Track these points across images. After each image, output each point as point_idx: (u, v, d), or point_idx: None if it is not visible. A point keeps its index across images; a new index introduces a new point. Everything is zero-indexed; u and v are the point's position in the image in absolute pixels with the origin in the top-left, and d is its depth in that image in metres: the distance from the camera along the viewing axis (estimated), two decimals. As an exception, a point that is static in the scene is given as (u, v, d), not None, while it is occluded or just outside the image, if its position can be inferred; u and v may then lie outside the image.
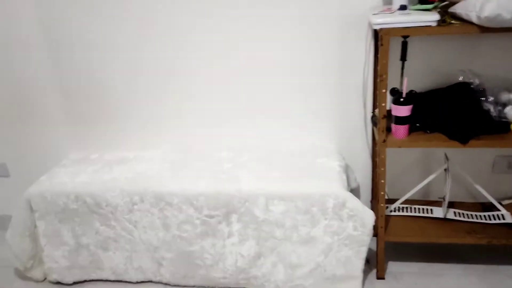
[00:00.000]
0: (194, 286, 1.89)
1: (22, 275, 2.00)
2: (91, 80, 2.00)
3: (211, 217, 1.75)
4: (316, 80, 1.88)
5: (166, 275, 1.88)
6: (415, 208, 1.92)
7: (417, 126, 1.69)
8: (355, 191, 2.01)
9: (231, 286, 1.85)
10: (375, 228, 1.68)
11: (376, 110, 1.83)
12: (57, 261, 1.91)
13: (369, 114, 1.91)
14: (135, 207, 1.79)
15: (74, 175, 1.91)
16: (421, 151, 1.96)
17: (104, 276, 1.93)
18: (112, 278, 1.93)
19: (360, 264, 1.74)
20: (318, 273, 1.77)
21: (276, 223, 1.72)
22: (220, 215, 1.74)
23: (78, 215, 1.84)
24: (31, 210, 1.86)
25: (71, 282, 1.94)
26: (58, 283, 1.95)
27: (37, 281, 1.98)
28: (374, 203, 2.01)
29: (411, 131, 1.67)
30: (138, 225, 1.82)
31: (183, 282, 1.88)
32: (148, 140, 2.10)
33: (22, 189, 1.93)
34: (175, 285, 1.90)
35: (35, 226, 1.88)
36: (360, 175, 2.02)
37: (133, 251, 1.86)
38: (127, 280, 1.92)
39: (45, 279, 1.98)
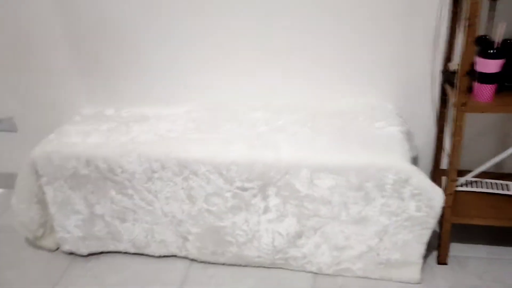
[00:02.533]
0: (224, 263, 1.66)
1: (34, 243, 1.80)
2: (105, 23, 1.69)
3: (244, 189, 1.48)
4: (374, 25, 1.52)
5: (192, 250, 1.65)
6: (487, 183, 1.61)
7: (506, 85, 1.34)
8: (413, 161, 1.70)
9: (266, 266, 1.62)
10: (442, 208, 1.39)
11: (451, 64, 1.47)
12: (70, 231, 1.69)
13: (438, 69, 1.55)
14: (155, 175, 1.53)
15: (86, 134, 1.65)
16: (500, 114, 1.61)
17: (122, 248, 1.71)
18: (132, 250, 1.71)
19: (420, 249, 1.46)
20: (369, 257, 1.50)
21: (321, 200, 1.44)
22: (255, 187, 1.47)
23: (90, 182, 1.59)
24: (37, 174, 1.62)
25: (86, 254, 1.73)
26: (72, 253, 1.75)
27: (49, 250, 1.78)
28: (436, 176, 1.69)
29: (498, 91, 1.32)
30: (159, 195, 1.57)
31: (211, 259, 1.65)
32: (171, 94, 1.80)
33: (30, 146, 1.67)
34: (202, 262, 1.67)
35: (43, 193, 1.65)
36: (420, 142, 1.70)
37: (154, 223, 1.62)
38: (149, 253, 1.70)
39: (57, 248, 1.78)
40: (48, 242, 1.75)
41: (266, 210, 1.50)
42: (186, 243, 1.64)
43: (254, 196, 1.49)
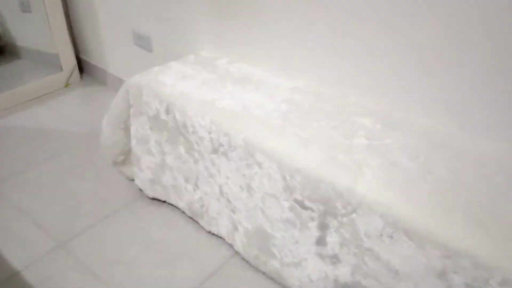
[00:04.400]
0: (264, 273, 1.41)
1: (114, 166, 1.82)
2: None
3: (304, 207, 1.17)
4: None
5: (238, 243, 1.44)
6: None
7: None
8: None
9: (307, 301, 1.32)
10: None
11: None
12: (142, 170, 1.64)
13: None
14: (221, 149, 1.33)
15: (181, 79, 1.51)
16: None
17: (181, 207, 1.60)
18: (188, 214, 1.59)
19: None
20: None
21: (387, 264, 1.06)
22: (315, 211, 1.15)
23: (167, 130, 1.48)
24: (129, 103, 1.58)
25: (151, 197, 1.68)
26: (141, 190, 1.72)
27: (128, 178, 1.79)
28: None
29: None
30: (221, 172, 1.37)
31: (253, 263, 1.42)
32: (289, 61, 1.52)
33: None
34: (243, 260, 1.46)
35: (130, 123, 1.61)
36: None
37: (211, 197, 1.45)
38: (201, 224, 1.56)
39: (133, 180, 1.77)
40: (127, 170, 1.74)
41: (320, 241, 1.18)
42: (236, 232, 1.43)
43: (312, 219, 1.17)
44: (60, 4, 2.29)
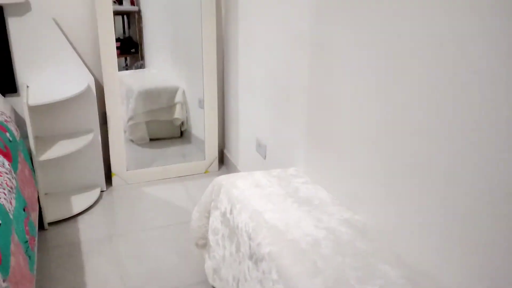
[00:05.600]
0: None
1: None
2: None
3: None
4: None
5: None
6: None
7: None
8: None
9: None
10: None
11: None
12: (210, 258, 1.82)
13: None
14: (254, 257, 1.43)
15: (253, 187, 1.69)
16: None
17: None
18: None
19: None
20: None
21: None
22: None
23: (229, 227, 1.65)
24: (212, 197, 1.82)
25: (211, 284, 1.83)
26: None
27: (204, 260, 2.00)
28: None
29: None
30: (252, 278, 1.46)
31: None
32: (355, 194, 1.57)
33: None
34: None
35: (211, 215, 1.85)
36: None
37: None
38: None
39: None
40: (204, 254, 1.96)
41: None
42: None
43: None
44: (216, 106, 2.79)
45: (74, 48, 2.44)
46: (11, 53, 2.26)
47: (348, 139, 1.58)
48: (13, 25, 2.23)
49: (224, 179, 1.77)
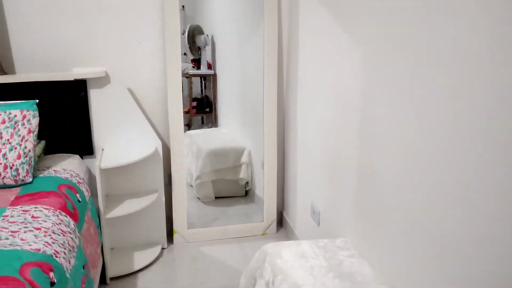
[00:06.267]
0: None
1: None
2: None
3: None
4: None
5: None
6: None
7: None
8: None
9: None
10: None
11: None
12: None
13: None
14: None
15: (298, 258, 1.69)
16: None
17: None
18: None
19: None
20: None
21: None
22: None
23: (271, 298, 1.66)
24: (258, 264, 1.84)
25: None
26: None
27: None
28: None
29: None
30: None
31: None
32: (398, 266, 1.51)
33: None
34: None
35: (256, 282, 1.86)
36: None
37: None
38: None
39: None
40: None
41: None
42: None
43: None
44: (275, 167, 2.85)
45: (145, 114, 2.67)
46: (90, 120, 2.53)
47: (395, 213, 1.55)
48: (94, 95, 2.50)
49: (270, 247, 1.79)
